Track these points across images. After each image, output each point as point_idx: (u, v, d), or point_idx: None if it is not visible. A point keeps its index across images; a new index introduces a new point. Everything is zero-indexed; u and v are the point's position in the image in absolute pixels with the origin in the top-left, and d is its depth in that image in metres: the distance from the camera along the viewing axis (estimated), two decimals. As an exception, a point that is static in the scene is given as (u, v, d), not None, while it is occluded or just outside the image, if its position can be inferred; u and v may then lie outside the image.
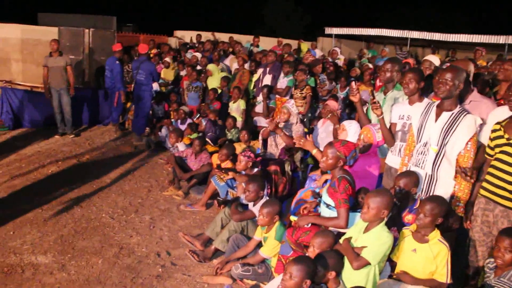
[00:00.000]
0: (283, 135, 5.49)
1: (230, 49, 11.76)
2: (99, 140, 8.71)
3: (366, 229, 3.21)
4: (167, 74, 10.75)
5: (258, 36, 13.22)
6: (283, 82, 7.70)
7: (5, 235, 4.62)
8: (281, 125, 5.61)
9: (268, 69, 8.15)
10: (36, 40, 10.58)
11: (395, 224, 3.51)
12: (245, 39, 14.13)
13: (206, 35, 13.98)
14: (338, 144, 3.64)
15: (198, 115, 7.99)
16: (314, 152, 4.36)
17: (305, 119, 6.98)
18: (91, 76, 10.79)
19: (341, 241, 3.32)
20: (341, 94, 8.06)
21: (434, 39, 14.49)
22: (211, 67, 9.42)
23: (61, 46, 9.17)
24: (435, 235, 3.15)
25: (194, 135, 7.27)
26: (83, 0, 24.51)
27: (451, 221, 3.53)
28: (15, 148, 7.66)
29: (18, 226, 4.84)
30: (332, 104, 5.58)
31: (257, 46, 12.70)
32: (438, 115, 3.59)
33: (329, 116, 5.47)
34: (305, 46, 13.44)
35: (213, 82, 9.24)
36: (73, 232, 4.82)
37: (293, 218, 3.93)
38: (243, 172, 5.26)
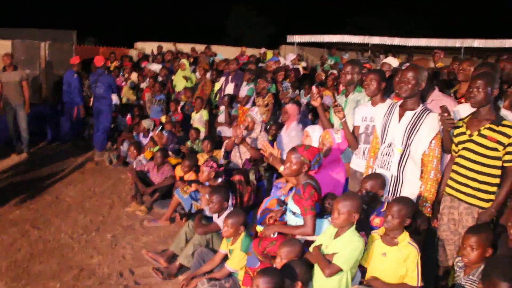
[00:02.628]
0: (249, 148, 5.37)
1: (191, 59, 11.59)
2: (59, 157, 8.34)
3: (337, 235, 3.11)
4: (129, 93, 10.47)
5: (209, 47, 13.10)
6: (244, 90, 7.59)
7: (-48, 263, 4.30)
8: (244, 133, 5.48)
9: (230, 77, 8.04)
10: (-13, 54, 10.12)
11: (363, 228, 3.42)
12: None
13: (167, 46, 13.76)
14: (302, 148, 3.53)
15: (160, 127, 7.80)
16: (281, 169, 4.13)
17: (267, 127, 6.87)
18: (48, 91, 10.38)
19: (311, 249, 3.20)
20: (304, 99, 8.01)
21: (394, 43, 14.96)
22: (184, 61, 9.53)
23: (15, 60, 8.79)
24: (404, 237, 3.07)
25: (156, 148, 7.05)
26: (44, 15, 23.88)
27: (419, 222, 3.47)
28: (-34, 169, 7.26)
29: (-32, 253, 4.53)
30: (291, 108, 5.49)
31: (215, 55, 12.58)
32: (401, 115, 3.55)
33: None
34: (270, 54, 13.43)
35: (180, 79, 9.34)
36: (29, 256, 4.54)
37: (259, 228, 3.80)
38: (207, 183, 5.10)
